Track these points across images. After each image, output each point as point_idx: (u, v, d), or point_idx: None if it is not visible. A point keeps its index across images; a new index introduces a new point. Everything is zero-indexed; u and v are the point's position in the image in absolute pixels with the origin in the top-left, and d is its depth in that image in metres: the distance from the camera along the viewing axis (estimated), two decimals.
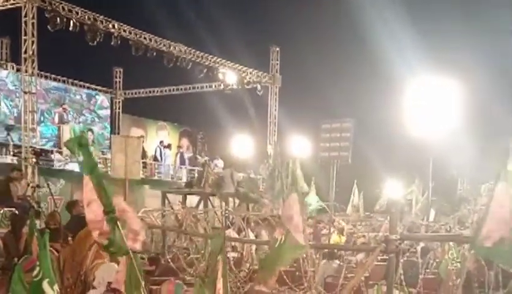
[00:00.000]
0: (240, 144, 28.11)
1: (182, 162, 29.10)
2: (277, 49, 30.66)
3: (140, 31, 25.08)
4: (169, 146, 29.78)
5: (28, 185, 17.18)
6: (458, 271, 8.43)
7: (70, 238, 9.87)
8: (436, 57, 25.53)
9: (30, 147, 21.09)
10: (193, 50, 27.39)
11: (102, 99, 31.56)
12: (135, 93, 33.28)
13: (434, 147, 20.72)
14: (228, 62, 29.16)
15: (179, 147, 30.98)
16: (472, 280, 7.86)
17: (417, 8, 29.91)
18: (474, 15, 30.08)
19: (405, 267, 9.59)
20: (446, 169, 25.72)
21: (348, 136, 27.56)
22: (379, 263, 8.18)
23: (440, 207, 19.80)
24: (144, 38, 25.20)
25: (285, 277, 9.79)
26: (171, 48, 26.27)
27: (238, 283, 9.44)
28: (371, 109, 29.58)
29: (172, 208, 18.32)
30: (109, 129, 31.14)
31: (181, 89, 32.11)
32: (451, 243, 8.89)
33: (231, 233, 13.18)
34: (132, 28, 24.73)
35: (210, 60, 28.27)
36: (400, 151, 26.76)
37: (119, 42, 24.03)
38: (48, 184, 17.50)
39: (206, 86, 31.38)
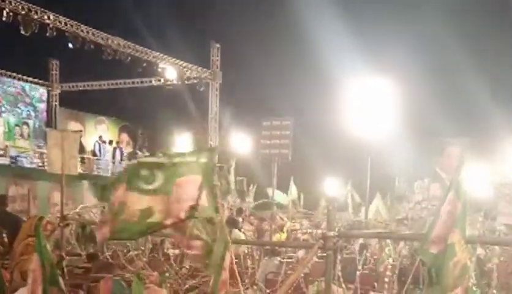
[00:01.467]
0: (182, 140, 28.02)
1: (121, 158, 28.77)
2: (218, 45, 30.63)
3: (77, 23, 24.59)
4: (110, 142, 29.39)
5: None
6: (393, 267, 8.66)
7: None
8: (373, 59, 26.09)
9: None
10: (132, 44, 27.06)
11: (40, 92, 30.84)
12: (73, 86, 32.66)
13: (372, 146, 21.21)
14: (168, 57, 28.95)
15: (118, 142, 30.61)
16: (407, 276, 8.09)
17: (356, 12, 30.52)
18: (410, 19, 30.88)
19: (344, 264, 9.81)
20: (384, 168, 26.38)
21: (288, 134, 27.80)
22: (319, 260, 8.34)
23: (378, 205, 20.30)
24: (81, 30, 24.74)
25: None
26: (109, 41, 25.87)
27: (179, 280, 9.44)
28: (311, 108, 30.01)
29: None
30: (46, 123, 30.44)
31: (120, 84, 31.71)
32: (387, 240, 9.14)
33: None
34: (68, 20, 24.22)
35: (149, 55, 27.99)
36: (339, 150, 27.23)
37: (54, 34, 23.52)
38: None
39: (146, 81, 31.10)
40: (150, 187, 4.19)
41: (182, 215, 4.21)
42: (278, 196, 20.03)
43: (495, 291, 7.33)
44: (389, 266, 8.79)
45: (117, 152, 28.78)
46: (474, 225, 8.78)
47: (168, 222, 4.24)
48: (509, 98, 26.25)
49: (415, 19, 31.12)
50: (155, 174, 4.20)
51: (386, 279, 9.25)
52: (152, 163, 4.30)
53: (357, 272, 8.76)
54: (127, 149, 31.03)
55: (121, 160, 28.20)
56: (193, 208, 4.19)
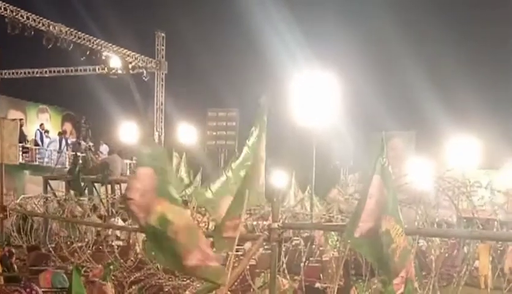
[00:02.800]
0: (127, 131, 27.61)
1: (65, 147, 28.07)
2: (163, 34, 30.27)
3: (17, 8, 23.85)
4: (58, 133, 28.68)
5: None
6: (337, 259, 8.77)
7: None
8: (319, 53, 26.31)
9: None
10: (75, 31, 26.43)
11: None
12: (13, 73, 31.69)
13: (317, 139, 21.43)
14: (112, 45, 28.42)
15: (63, 132, 29.89)
16: (350, 267, 8.23)
17: (301, 5, 30.71)
18: (354, 15, 31.33)
19: (290, 256, 9.91)
20: (329, 160, 26.74)
21: (234, 125, 27.90)
22: (266, 252, 8.37)
23: (323, 196, 20.52)
24: (21, 16, 24.01)
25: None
26: (51, 27, 25.19)
27: (124, 273, 9.33)
28: (256, 100, 30.01)
29: (55, 195, 17.61)
30: None
31: (63, 71, 30.97)
32: (332, 232, 9.24)
33: (118, 221, 12.96)
34: (7, 4, 23.46)
35: (93, 43, 27.39)
36: (285, 142, 27.44)
37: None
38: None
39: (89, 69, 30.48)
40: None
41: None
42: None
43: (436, 282, 7.50)
44: (333, 258, 8.92)
45: (63, 142, 28.03)
46: (415, 217, 8.97)
47: None
48: (452, 93, 26.92)
49: (359, 15, 31.59)
50: None
51: (330, 271, 9.38)
52: None
53: (302, 264, 8.88)
54: (71, 139, 30.35)
55: (77, 150, 27.40)
56: None
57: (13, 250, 9.74)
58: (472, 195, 9.22)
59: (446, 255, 11.48)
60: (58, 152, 26.64)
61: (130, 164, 24.67)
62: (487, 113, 25.32)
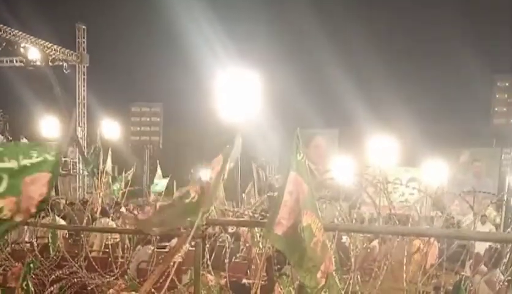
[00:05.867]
0: (47, 125, 26.84)
1: None
2: (84, 26, 29.61)
3: None
4: None
5: None
6: (260, 255, 8.86)
7: None
8: (244, 51, 26.49)
9: None
10: None
11: None
12: None
13: (242, 134, 21.51)
14: (31, 37, 27.54)
15: None
16: (272, 263, 8.32)
17: (226, 5, 30.80)
18: (279, 17, 31.68)
19: (217, 253, 9.90)
20: (254, 156, 26.94)
21: (158, 120, 27.69)
22: (193, 248, 8.36)
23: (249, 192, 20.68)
24: None
25: (94, 263, 9.64)
26: None
27: (45, 271, 9.09)
28: (181, 95, 29.92)
29: None
30: None
31: None
32: (256, 228, 9.32)
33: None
34: None
35: (9, 34, 26.47)
36: (210, 136, 27.42)
37: None
38: None
39: (7, 61, 29.43)
40: None
41: (33, 209, 4.23)
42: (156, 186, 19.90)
43: (358, 276, 7.70)
44: (257, 254, 9.00)
45: None
46: (337, 212, 9.18)
47: (18, 218, 4.24)
48: (374, 93, 27.65)
49: (284, 14, 31.95)
50: (2, 177, 4.19)
51: (253, 266, 9.46)
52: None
53: (226, 260, 8.91)
54: None
55: None
56: (43, 202, 4.24)
57: None
58: (393, 191, 9.54)
59: (368, 250, 11.82)
60: None
61: None
62: (406, 113, 26.18)
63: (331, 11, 30.83)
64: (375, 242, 13.50)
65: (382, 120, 25.76)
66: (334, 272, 5.15)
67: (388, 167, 21.18)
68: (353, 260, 8.08)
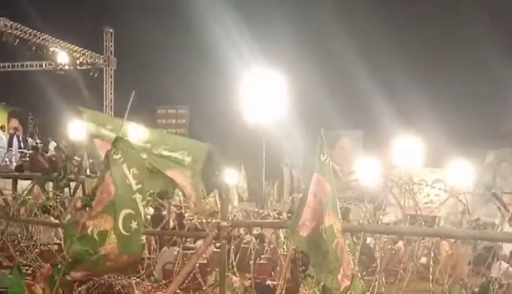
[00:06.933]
0: (75, 128, 27.16)
1: (20, 145, 27.30)
2: (111, 30, 29.91)
3: None
4: (2, 128, 27.92)
5: None
6: (285, 256, 8.89)
7: None
8: (268, 52, 26.50)
9: None
10: (20, 26, 25.84)
11: None
12: None
13: (267, 137, 21.59)
14: (59, 40, 27.91)
15: (14, 128, 29.09)
16: (297, 264, 8.35)
17: (252, 7, 30.84)
18: (303, 18, 31.62)
19: (242, 254, 9.97)
20: (279, 157, 26.95)
21: (184, 122, 27.85)
22: (218, 250, 8.42)
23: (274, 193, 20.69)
24: None
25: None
26: None
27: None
28: (206, 97, 30.04)
29: (1, 193, 17.19)
30: None
31: (8, 67, 30.27)
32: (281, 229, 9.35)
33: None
34: None
35: (39, 38, 26.85)
36: (235, 138, 27.49)
37: None
38: None
39: (36, 65, 29.87)
40: None
41: None
42: None
43: (383, 278, 7.69)
44: (282, 255, 9.03)
45: (14, 139, 27.24)
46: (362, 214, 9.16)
47: None
48: (398, 94, 27.45)
49: (309, 15, 31.89)
50: None
51: (278, 268, 9.49)
52: None
53: (251, 262, 8.97)
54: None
55: (24, 147, 26.56)
56: None
57: None
58: (419, 192, 9.48)
59: (393, 252, 11.76)
60: (9, 150, 25.98)
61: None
62: (431, 114, 25.92)
63: (356, 12, 30.68)
64: (400, 244, 13.44)
65: (407, 121, 25.55)
66: (358, 274, 5.15)
67: (413, 168, 21.02)
68: (378, 261, 8.07)
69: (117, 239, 4.30)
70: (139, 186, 4.44)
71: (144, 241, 5.16)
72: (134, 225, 4.36)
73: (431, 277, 7.75)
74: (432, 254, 8.62)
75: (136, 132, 4.79)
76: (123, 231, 4.32)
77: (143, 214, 4.50)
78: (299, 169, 25.80)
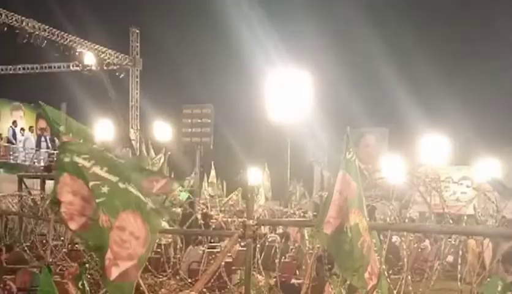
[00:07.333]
0: (101, 128, 27.44)
1: (48, 145, 27.67)
2: (137, 31, 30.07)
3: None
4: (30, 128, 28.36)
5: None
6: (311, 255, 8.87)
7: None
8: (293, 50, 26.49)
9: None
10: (48, 27, 26.13)
11: None
12: None
13: (291, 135, 21.55)
14: (86, 42, 28.17)
15: (41, 129, 29.51)
16: (323, 263, 8.32)
17: (277, 6, 30.83)
18: (328, 12, 31.50)
19: (266, 253, 9.99)
20: (303, 156, 26.92)
21: (209, 122, 27.84)
22: (243, 249, 8.43)
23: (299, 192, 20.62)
24: None
25: (147, 263, 9.79)
26: (24, 23, 24.90)
27: (100, 271, 9.31)
28: (231, 96, 30.11)
29: (30, 193, 17.42)
30: None
31: (36, 68, 30.64)
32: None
33: None
34: None
35: (66, 39, 27.12)
36: (260, 137, 27.51)
37: None
38: None
39: (63, 66, 30.19)
40: None
41: None
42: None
43: (408, 276, 7.63)
44: (307, 254, 9.01)
45: (42, 139, 27.65)
46: (388, 212, 9.11)
47: None
48: (424, 91, 27.24)
49: (333, 13, 31.77)
50: None
51: (303, 267, 9.47)
52: None
53: (277, 261, 8.97)
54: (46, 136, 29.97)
55: (52, 148, 26.85)
56: None
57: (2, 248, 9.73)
58: (445, 190, 9.37)
59: (419, 250, 11.67)
60: (37, 150, 26.35)
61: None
62: (458, 111, 25.67)
63: (381, 9, 30.52)
64: (426, 242, 13.32)
65: (433, 118, 25.34)
66: (385, 272, 5.12)
67: (439, 166, 20.81)
68: (405, 260, 8.01)
69: None
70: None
71: None
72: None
73: (459, 275, 7.67)
74: (460, 252, 8.53)
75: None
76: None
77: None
78: (324, 168, 25.71)
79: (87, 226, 4.37)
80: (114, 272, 4.29)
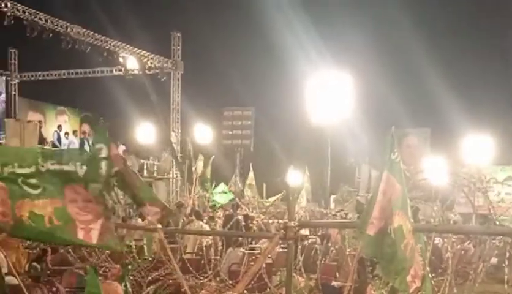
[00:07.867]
0: (143, 131, 27.78)
1: (83, 148, 28.18)
2: (179, 34, 30.31)
3: (35, 11, 24.03)
4: (74, 133, 28.92)
5: None
6: (353, 257, 8.80)
7: None
8: (334, 52, 26.35)
9: None
10: (92, 33, 26.57)
11: None
12: (32, 76, 32.00)
13: (332, 137, 21.44)
14: (129, 46, 28.53)
15: (84, 133, 30.07)
16: (365, 265, 8.25)
17: (318, 7, 30.75)
18: (369, 13, 31.26)
19: (306, 254, 9.94)
20: (344, 157, 26.77)
21: (250, 124, 27.97)
22: (283, 250, 8.41)
23: (339, 194, 20.49)
24: (40, 18, 24.12)
25: (188, 265, 9.88)
26: (68, 29, 25.35)
27: (142, 272, 9.42)
28: (272, 99, 30.14)
29: None
30: (5, 113, 29.79)
31: (80, 73, 31.20)
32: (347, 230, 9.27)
33: (137, 221, 13.08)
34: (26, 7, 23.63)
35: (110, 44, 27.50)
36: (300, 139, 27.44)
37: (12, 22, 22.94)
38: None
39: (107, 71, 30.67)
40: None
41: None
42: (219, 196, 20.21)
43: (452, 279, 7.51)
44: (349, 256, 8.95)
45: (85, 142, 28.15)
46: (431, 213, 8.97)
47: None
48: (466, 90, 26.78)
49: (374, 14, 31.51)
50: None
51: (346, 269, 9.40)
52: None
53: (318, 262, 8.93)
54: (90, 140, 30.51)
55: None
56: None
57: (48, 250, 9.91)
58: (489, 190, 9.19)
59: (462, 252, 11.46)
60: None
61: (146, 164, 24.73)
62: (500, 110, 25.19)
63: (422, 9, 30.14)
64: (470, 244, 13.07)
65: (475, 118, 24.87)
66: (429, 275, 5.03)
67: (483, 166, 20.41)
68: (450, 262, 7.88)
69: None
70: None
71: None
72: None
73: (506, 277, 7.51)
74: (507, 254, 8.34)
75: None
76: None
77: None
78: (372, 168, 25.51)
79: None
80: (93, 236, 4.56)
